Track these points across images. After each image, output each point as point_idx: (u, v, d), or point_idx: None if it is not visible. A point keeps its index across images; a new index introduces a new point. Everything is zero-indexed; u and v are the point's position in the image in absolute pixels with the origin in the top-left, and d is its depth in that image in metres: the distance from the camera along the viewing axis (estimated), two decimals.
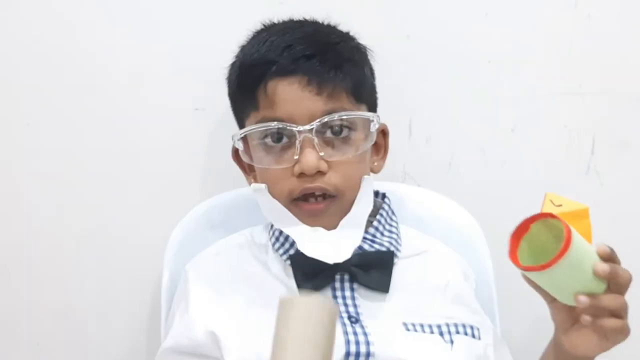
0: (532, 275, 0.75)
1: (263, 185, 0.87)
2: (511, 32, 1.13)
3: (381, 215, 0.93)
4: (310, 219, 0.87)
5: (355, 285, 0.88)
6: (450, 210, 1.06)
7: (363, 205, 0.87)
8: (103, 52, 1.09)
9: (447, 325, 0.87)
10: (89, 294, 1.15)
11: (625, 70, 1.14)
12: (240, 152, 0.89)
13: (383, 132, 0.95)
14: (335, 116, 0.84)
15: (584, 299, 0.73)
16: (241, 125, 0.92)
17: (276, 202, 0.86)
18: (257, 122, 0.86)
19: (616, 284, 0.76)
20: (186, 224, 1.04)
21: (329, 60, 0.85)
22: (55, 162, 1.12)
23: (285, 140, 0.85)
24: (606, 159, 1.17)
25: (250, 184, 0.94)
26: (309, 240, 0.85)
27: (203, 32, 1.10)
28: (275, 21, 0.93)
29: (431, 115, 1.13)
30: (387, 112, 0.94)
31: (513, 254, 0.75)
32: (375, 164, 0.94)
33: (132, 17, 1.09)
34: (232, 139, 0.88)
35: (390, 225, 0.94)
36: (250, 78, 0.87)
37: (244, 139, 0.88)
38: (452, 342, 0.86)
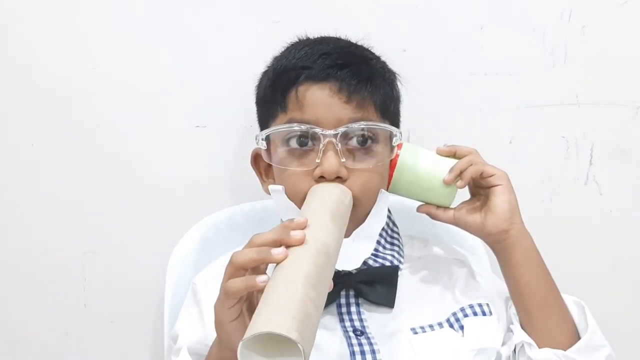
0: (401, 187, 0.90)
1: (280, 187, 0.86)
2: (507, 44, 1.13)
3: (383, 228, 0.92)
4: None
5: (361, 300, 0.88)
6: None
7: (378, 218, 0.86)
8: (105, 72, 1.10)
9: (455, 314, 0.88)
10: (93, 314, 1.16)
11: (621, 80, 1.15)
12: (262, 152, 0.89)
13: None
14: (362, 124, 0.84)
15: (448, 176, 0.88)
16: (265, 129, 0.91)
17: (292, 203, 0.85)
18: (283, 124, 0.86)
19: (461, 155, 0.90)
20: (188, 242, 1.04)
21: (362, 72, 0.86)
22: (59, 180, 1.13)
23: (309, 144, 0.85)
24: (605, 169, 1.17)
25: (265, 190, 0.93)
26: None
27: (200, 51, 1.11)
28: (310, 37, 0.94)
29: (429, 128, 1.13)
30: None
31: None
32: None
33: (133, 38, 1.10)
34: (256, 138, 0.87)
35: (392, 238, 0.95)
36: (283, 81, 0.87)
37: (267, 140, 0.88)
38: (462, 327, 0.87)
